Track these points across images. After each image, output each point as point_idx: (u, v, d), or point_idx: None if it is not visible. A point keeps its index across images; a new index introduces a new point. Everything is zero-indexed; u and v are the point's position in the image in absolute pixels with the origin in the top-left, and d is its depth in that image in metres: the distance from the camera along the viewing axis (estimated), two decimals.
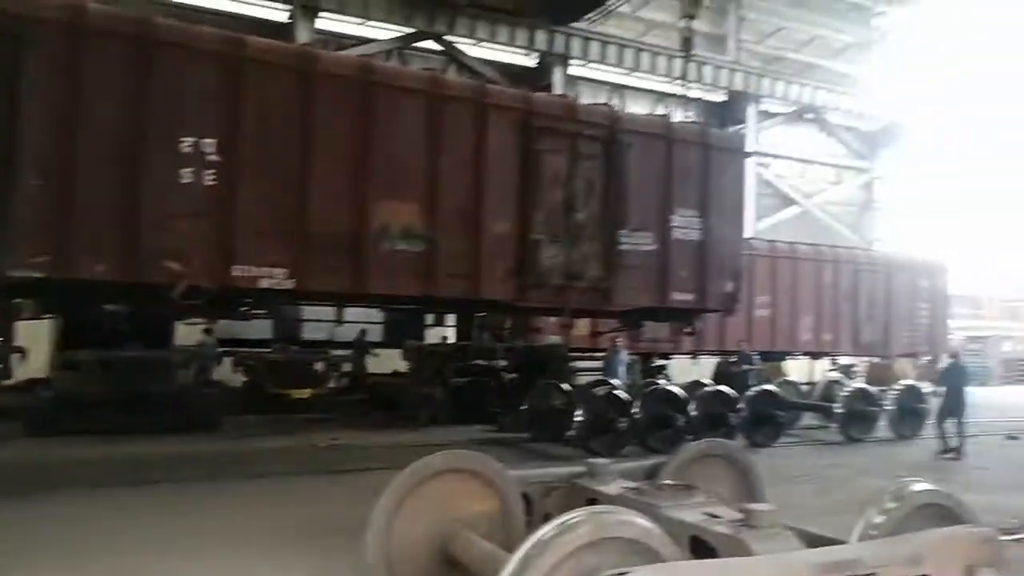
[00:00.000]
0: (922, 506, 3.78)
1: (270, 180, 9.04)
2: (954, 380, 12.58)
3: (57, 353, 13.49)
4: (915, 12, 31.90)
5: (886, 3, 31.30)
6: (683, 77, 15.07)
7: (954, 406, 12.28)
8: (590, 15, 23.51)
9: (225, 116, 8.72)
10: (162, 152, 8.33)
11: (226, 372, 16.42)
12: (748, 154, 13.33)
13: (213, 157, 8.58)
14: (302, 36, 19.63)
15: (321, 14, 20.60)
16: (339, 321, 15.03)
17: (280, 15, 20.79)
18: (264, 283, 8.93)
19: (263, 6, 20.66)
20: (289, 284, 9.05)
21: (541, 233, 10.66)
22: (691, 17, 14.56)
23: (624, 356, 15.41)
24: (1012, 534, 6.95)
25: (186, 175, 8.44)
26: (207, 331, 16.04)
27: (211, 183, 8.58)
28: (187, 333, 17.02)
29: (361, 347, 18.06)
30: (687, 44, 14.77)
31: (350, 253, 9.45)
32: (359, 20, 21.37)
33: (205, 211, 8.60)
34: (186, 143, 8.44)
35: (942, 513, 3.82)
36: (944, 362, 13.87)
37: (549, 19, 22.55)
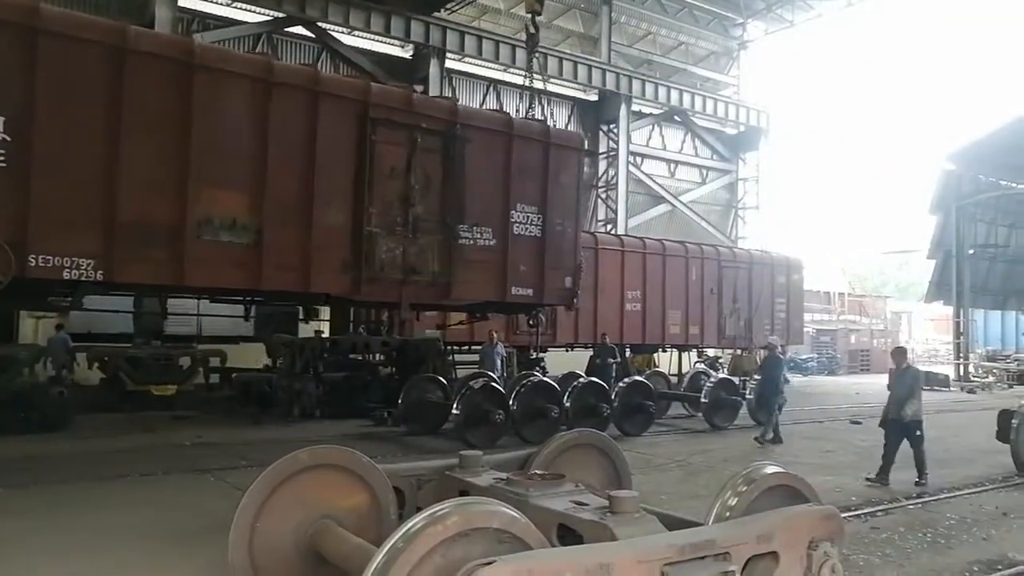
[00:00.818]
0: (772, 488, 4.02)
1: (73, 163, 8.51)
2: (770, 371, 13.37)
3: None
4: (771, 26, 33.93)
5: (744, 16, 33.12)
6: (528, 71, 15.52)
7: (770, 395, 13.02)
8: (451, 5, 23.48)
9: (16, 92, 8.12)
10: None
11: (82, 369, 15.38)
12: (588, 152, 13.82)
13: (2, 135, 8.00)
14: (161, 14, 18.56)
15: None
16: (205, 314, 14.37)
17: None
18: (68, 274, 8.42)
19: None
20: (97, 275, 8.58)
21: (377, 226, 10.59)
22: (535, 13, 14.97)
23: (501, 349, 15.58)
24: (851, 511, 7.55)
25: None
26: (59, 326, 14.98)
27: (1, 164, 8.00)
28: (41, 328, 15.91)
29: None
30: (532, 40, 15.24)
31: (167, 244, 9.06)
32: (224, 1, 20.45)
33: None
34: None
35: (790, 493, 4.07)
36: (761, 354, 14.66)
37: (409, 6, 22.29)
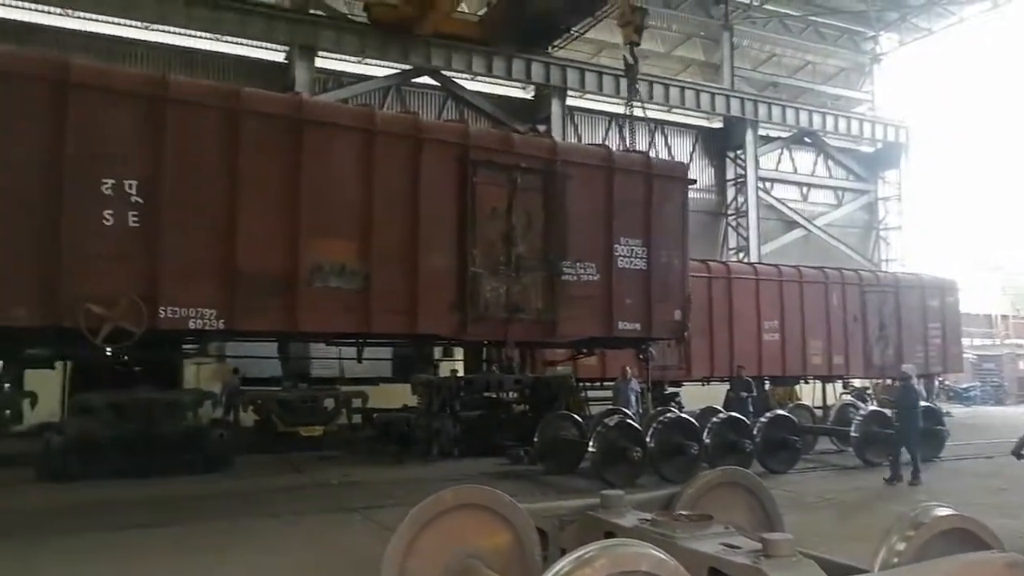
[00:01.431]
0: (945, 531, 3.70)
1: (197, 220, 9.10)
2: (906, 403, 12.32)
3: (68, 397, 13.47)
4: (907, 37, 32.23)
5: (876, 29, 31.64)
6: (628, 101, 15.57)
7: (908, 431, 11.95)
8: (560, 42, 23.85)
9: (147, 156, 8.77)
10: (83, 194, 8.37)
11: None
12: (690, 181, 13.51)
13: (136, 198, 8.63)
14: (300, 76, 19.94)
15: (320, 53, 20.84)
16: (348, 358, 14.89)
17: (278, 56, 21.09)
18: (193, 324, 8.97)
19: (261, 47, 20.94)
20: (220, 324, 9.08)
21: (481, 266, 10.77)
22: (634, 44, 15.05)
23: (635, 385, 15.32)
24: None
25: (108, 217, 8.49)
26: (234, 370, 16.10)
27: (135, 224, 8.63)
28: (211, 373, 17.20)
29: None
30: (632, 70, 15.30)
31: (282, 292, 9.49)
32: (356, 59, 21.68)
33: (129, 253, 8.63)
34: (107, 184, 8.49)
35: (965, 538, 3.73)
36: (897, 385, 13.59)
37: (516, 47, 22.77)
